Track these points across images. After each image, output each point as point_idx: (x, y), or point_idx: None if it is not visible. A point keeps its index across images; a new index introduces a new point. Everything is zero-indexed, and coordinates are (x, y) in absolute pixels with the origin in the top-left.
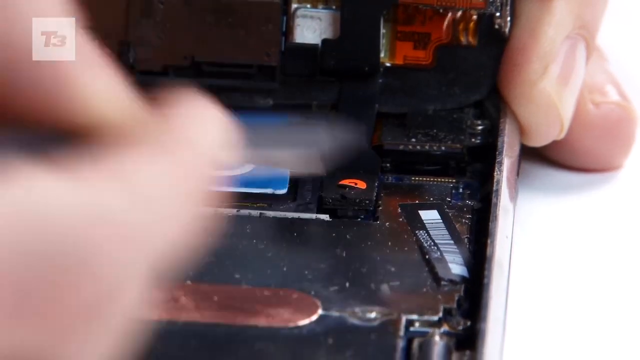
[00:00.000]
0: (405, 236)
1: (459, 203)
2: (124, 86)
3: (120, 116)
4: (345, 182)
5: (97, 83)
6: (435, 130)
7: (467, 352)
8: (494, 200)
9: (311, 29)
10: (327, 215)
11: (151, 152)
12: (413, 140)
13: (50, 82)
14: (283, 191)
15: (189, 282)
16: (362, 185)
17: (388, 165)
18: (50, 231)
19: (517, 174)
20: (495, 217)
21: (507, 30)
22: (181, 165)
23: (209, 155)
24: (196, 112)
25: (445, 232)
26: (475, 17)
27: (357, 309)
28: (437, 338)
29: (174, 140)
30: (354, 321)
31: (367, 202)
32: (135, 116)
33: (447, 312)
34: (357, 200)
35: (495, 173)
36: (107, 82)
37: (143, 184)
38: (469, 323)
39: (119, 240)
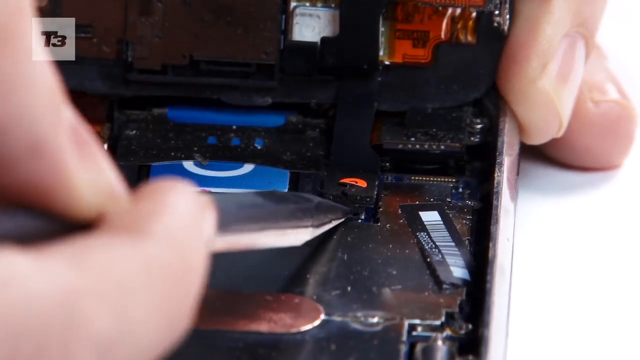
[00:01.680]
0: (406, 238)
1: (459, 203)
2: (113, 176)
3: (103, 205)
4: (346, 180)
5: (87, 178)
6: (434, 129)
7: (470, 357)
8: (495, 202)
9: (310, 27)
10: None
11: (127, 245)
12: (412, 139)
13: (45, 177)
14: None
15: None
16: (362, 183)
17: (387, 164)
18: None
19: (517, 173)
20: (497, 219)
21: (506, 28)
22: (157, 260)
23: (188, 250)
24: (174, 201)
25: (446, 233)
26: (474, 15)
27: (360, 314)
28: (439, 343)
29: (151, 233)
30: (357, 326)
31: (368, 199)
32: (117, 205)
33: (450, 316)
34: (358, 197)
35: (496, 174)
36: (98, 176)
37: (114, 280)
38: (470, 327)
39: (86, 345)
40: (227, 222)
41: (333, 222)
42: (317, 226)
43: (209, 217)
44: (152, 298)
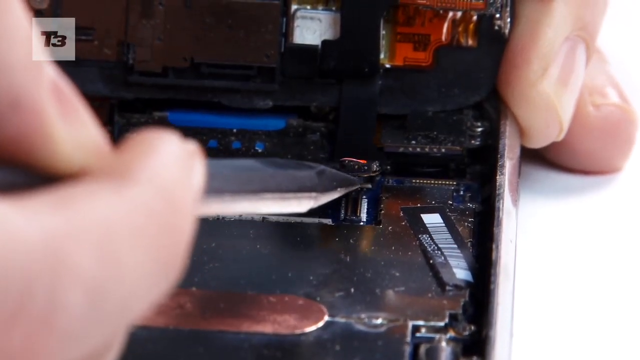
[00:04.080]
0: (408, 240)
1: (461, 206)
2: (97, 132)
3: (87, 161)
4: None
5: (70, 134)
6: (435, 132)
7: (475, 358)
8: (497, 204)
9: (311, 30)
10: (330, 220)
11: (112, 191)
12: (413, 142)
13: (26, 132)
14: None
15: (194, 288)
16: (362, 161)
17: (388, 167)
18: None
19: (518, 176)
20: (500, 221)
21: (506, 31)
22: (144, 205)
23: (175, 195)
24: (163, 150)
25: (449, 235)
26: (475, 18)
27: (363, 315)
28: (444, 344)
29: (136, 179)
30: (361, 327)
31: (366, 168)
32: (101, 160)
33: (453, 318)
34: (356, 167)
35: (498, 177)
36: (80, 132)
37: (99, 224)
38: (474, 328)
39: (68, 282)
40: (222, 185)
41: (340, 190)
42: (322, 192)
43: (197, 165)
44: (140, 243)
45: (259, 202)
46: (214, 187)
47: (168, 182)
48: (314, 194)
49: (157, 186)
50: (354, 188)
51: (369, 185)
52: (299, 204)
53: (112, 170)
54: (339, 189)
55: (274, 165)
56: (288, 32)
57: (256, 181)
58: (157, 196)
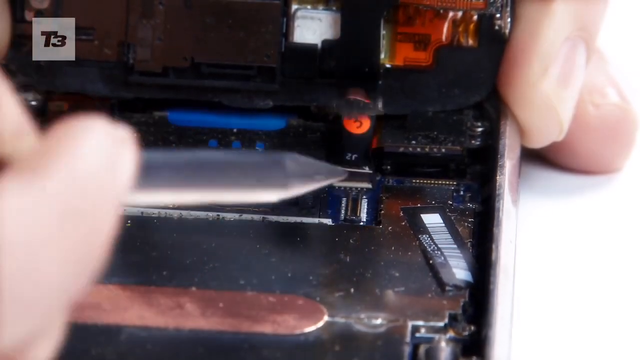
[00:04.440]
0: (408, 240)
1: (461, 206)
2: (17, 116)
3: (6, 145)
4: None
5: None
6: (435, 132)
7: (474, 358)
8: (497, 205)
9: (311, 30)
10: (330, 220)
11: (23, 187)
12: (413, 142)
13: None
14: None
15: (194, 288)
16: (366, 100)
17: (388, 167)
18: None
19: (518, 176)
20: (499, 222)
21: (507, 31)
22: (54, 201)
23: (96, 188)
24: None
25: (448, 236)
26: (475, 18)
27: (363, 315)
28: (443, 344)
29: (50, 172)
30: (360, 327)
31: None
32: (22, 145)
33: (453, 318)
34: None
35: (498, 177)
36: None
37: (8, 226)
38: (473, 328)
39: None
40: (168, 174)
41: (318, 179)
42: (295, 181)
43: (125, 153)
44: (53, 241)
45: (215, 190)
46: (158, 177)
47: (87, 178)
48: (283, 182)
49: (72, 178)
50: (338, 178)
51: (370, 185)
52: (267, 193)
53: (28, 162)
54: (317, 178)
55: (238, 155)
56: (288, 32)
57: (211, 170)
58: (70, 189)
